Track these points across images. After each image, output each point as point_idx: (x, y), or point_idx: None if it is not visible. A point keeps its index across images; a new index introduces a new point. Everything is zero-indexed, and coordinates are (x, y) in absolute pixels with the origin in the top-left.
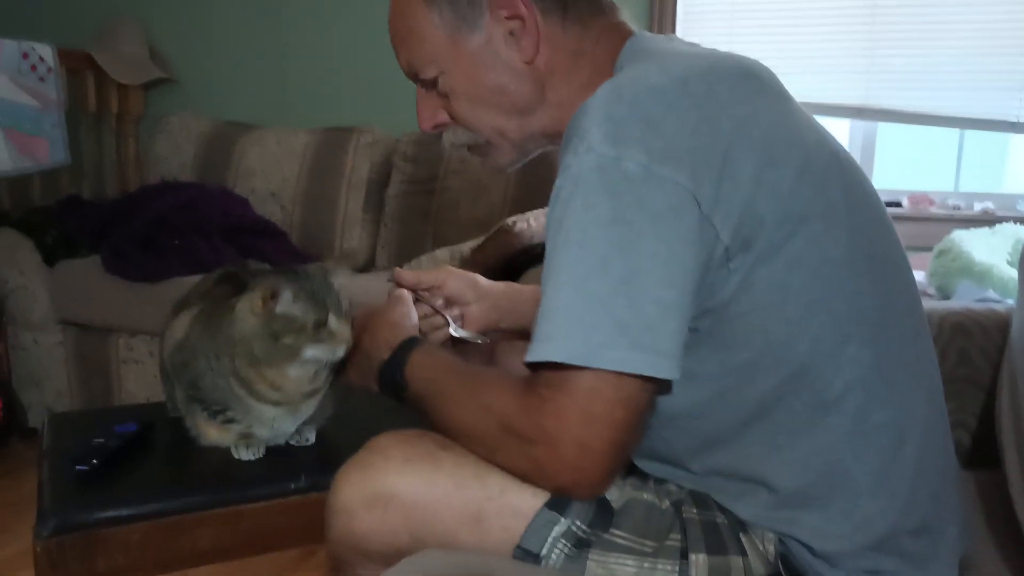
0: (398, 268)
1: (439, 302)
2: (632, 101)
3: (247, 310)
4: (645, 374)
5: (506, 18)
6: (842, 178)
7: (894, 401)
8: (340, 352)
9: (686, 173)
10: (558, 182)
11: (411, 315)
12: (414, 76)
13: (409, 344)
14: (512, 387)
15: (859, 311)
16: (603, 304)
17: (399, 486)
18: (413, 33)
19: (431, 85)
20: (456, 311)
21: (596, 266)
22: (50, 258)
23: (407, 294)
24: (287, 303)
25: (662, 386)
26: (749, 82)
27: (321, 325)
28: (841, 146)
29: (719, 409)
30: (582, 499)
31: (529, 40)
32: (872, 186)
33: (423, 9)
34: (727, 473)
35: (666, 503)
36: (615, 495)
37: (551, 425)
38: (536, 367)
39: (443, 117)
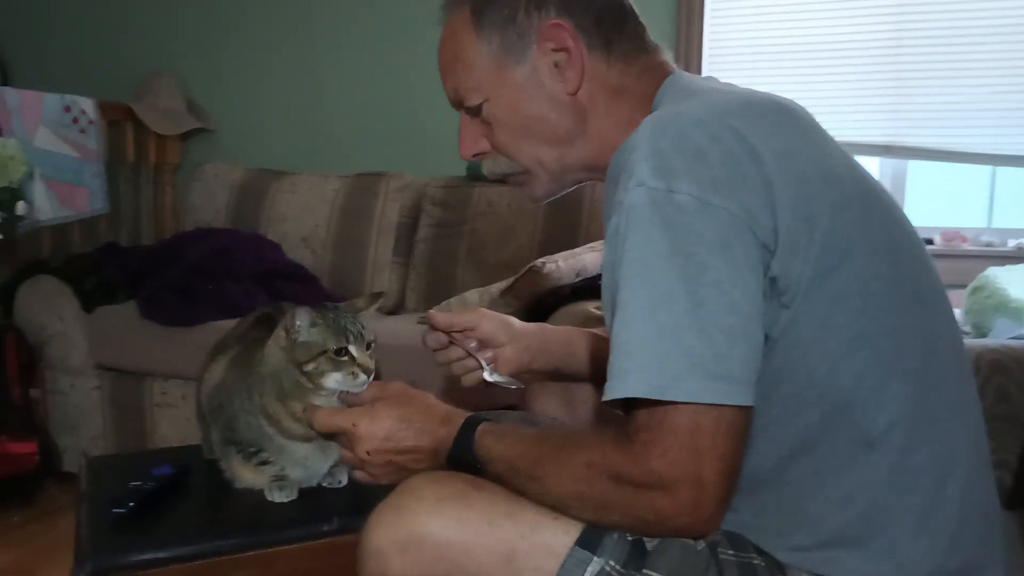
0: (432, 311)
1: (472, 344)
2: (677, 134)
3: (274, 345)
4: (722, 403)
5: (552, 50)
6: (881, 214)
7: (937, 439)
8: (361, 380)
9: (737, 202)
10: (614, 220)
11: (429, 396)
12: (459, 103)
13: (471, 425)
14: (607, 440)
15: (903, 347)
16: (673, 336)
17: (431, 526)
18: (460, 61)
19: (475, 113)
20: (489, 353)
21: (662, 299)
22: (88, 304)
23: (398, 386)
24: (305, 329)
25: (750, 412)
26: (787, 118)
27: (342, 352)
28: (878, 182)
29: (762, 442)
30: (703, 535)
31: (574, 73)
32: (910, 223)
33: (472, 38)
34: (767, 511)
35: (701, 544)
36: None
37: (663, 468)
38: (626, 411)
39: (484, 145)
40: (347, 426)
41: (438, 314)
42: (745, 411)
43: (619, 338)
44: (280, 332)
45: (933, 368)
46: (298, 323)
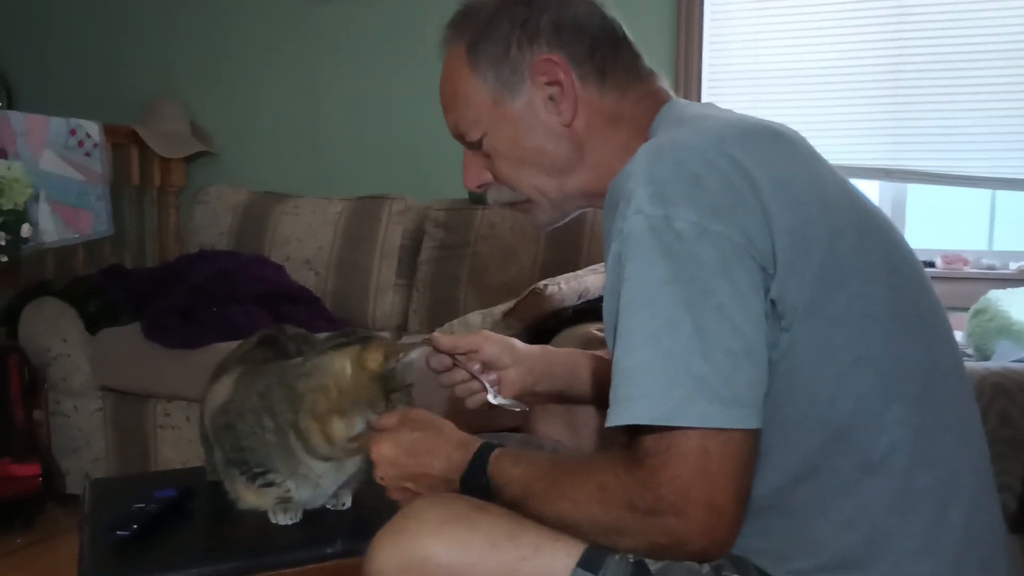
0: (436, 333)
1: (476, 367)
2: (674, 161)
3: (346, 364)
4: (730, 427)
5: (545, 83)
6: (879, 238)
7: (940, 463)
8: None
9: (736, 227)
10: (614, 247)
11: (448, 424)
12: (460, 137)
13: (486, 449)
14: (618, 465)
15: (904, 370)
16: (678, 361)
17: (434, 549)
18: (459, 97)
19: (476, 146)
20: (493, 376)
21: (665, 325)
22: (92, 326)
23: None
24: (408, 362)
25: (758, 434)
26: (783, 144)
27: (410, 387)
28: (877, 207)
29: (765, 467)
30: (717, 557)
31: (567, 105)
32: (910, 247)
33: (469, 74)
34: (770, 535)
35: (706, 567)
36: None
37: (674, 493)
38: (632, 436)
39: (487, 176)
40: (370, 451)
41: (442, 336)
42: (753, 433)
43: (622, 365)
44: (374, 354)
45: (934, 391)
46: (411, 356)
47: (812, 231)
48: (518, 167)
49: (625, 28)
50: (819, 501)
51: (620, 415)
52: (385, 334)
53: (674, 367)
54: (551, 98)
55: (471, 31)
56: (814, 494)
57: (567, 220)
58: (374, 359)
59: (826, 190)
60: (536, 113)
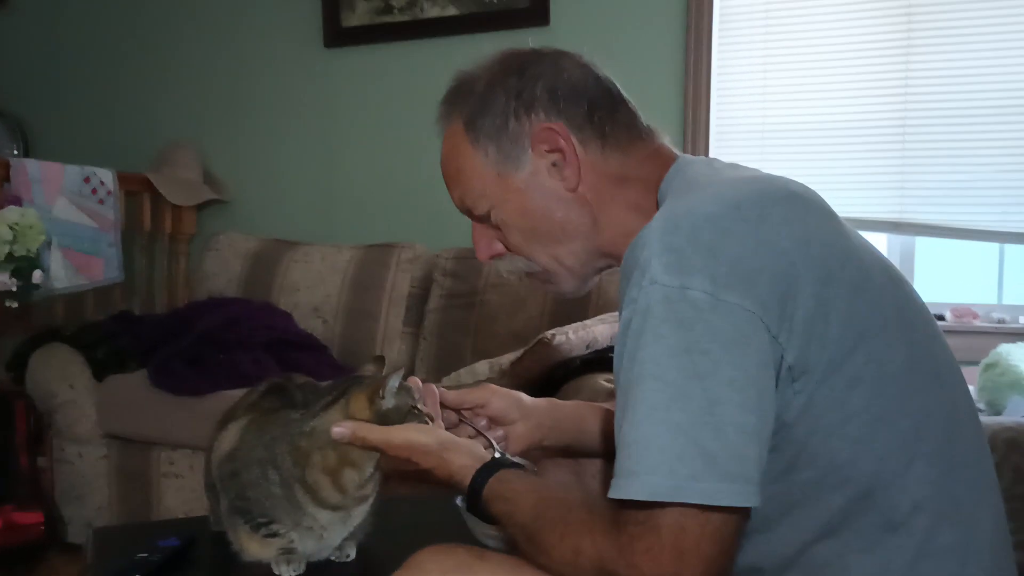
0: (441, 387)
1: (483, 423)
2: (690, 230)
3: (353, 411)
4: (735, 505)
5: (547, 151)
6: (895, 294)
7: (961, 520)
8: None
9: (751, 297)
10: (625, 315)
11: (468, 443)
12: (468, 212)
13: (480, 482)
14: (600, 526)
15: (923, 428)
16: (687, 436)
17: None
18: (462, 172)
19: (484, 219)
20: (500, 432)
21: (675, 397)
22: (100, 372)
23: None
24: (391, 394)
25: (746, 513)
26: (799, 204)
27: (415, 408)
28: (890, 262)
29: (785, 527)
30: None
31: (571, 170)
32: (923, 302)
33: (469, 150)
34: None
35: None
36: None
37: (645, 565)
38: (622, 501)
39: (499, 248)
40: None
41: (447, 392)
42: (744, 512)
43: (628, 437)
44: (357, 402)
45: (954, 447)
46: (391, 385)
47: (832, 290)
48: (530, 238)
49: (619, 86)
50: (840, 560)
51: (623, 489)
52: (368, 367)
53: (682, 442)
54: (554, 164)
55: (467, 107)
56: (836, 553)
57: (592, 285)
58: (360, 408)
59: (843, 247)
60: (541, 182)
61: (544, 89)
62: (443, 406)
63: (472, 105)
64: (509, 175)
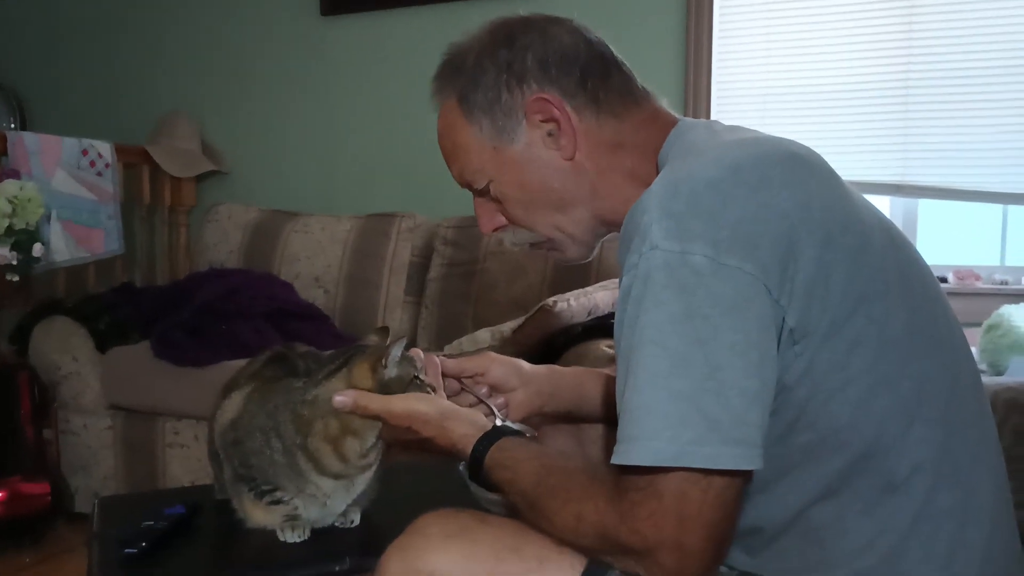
0: (442, 355)
1: (483, 390)
2: (690, 195)
3: (356, 381)
4: (738, 468)
5: (541, 121)
6: (897, 257)
7: (960, 482)
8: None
9: (752, 260)
10: (625, 281)
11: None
12: (467, 186)
13: (481, 451)
14: (601, 492)
15: (924, 391)
16: (690, 401)
17: (438, 563)
18: (459, 148)
19: (484, 193)
20: (500, 399)
21: (678, 363)
22: (102, 344)
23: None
24: (394, 363)
25: (748, 477)
26: (800, 166)
27: (416, 378)
28: (893, 224)
29: (784, 489)
30: None
31: (567, 139)
32: (926, 264)
33: (465, 125)
34: (789, 556)
35: None
36: None
37: (648, 531)
38: (624, 467)
39: (501, 220)
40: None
41: (447, 360)
42: (746, 475)
43: (630, 404)
44: (359, 372)
45: (955, 410)
46: (391, 360)
47: (833, 253)
48: (530, 208)
49: (614, 49)
50: (839, 522)
51: (626, 455)
52: (372, 337)
53: (685, 407)
54: (550, 134)
55: (459, 82)
56: (835, 515)
57: (597, 251)
58: (362, 377)
59: (844, 209)
60: (537, 152)
61: (534, 59)
62: (444, 375)
63: (463, 80)
64: (505, 148)
